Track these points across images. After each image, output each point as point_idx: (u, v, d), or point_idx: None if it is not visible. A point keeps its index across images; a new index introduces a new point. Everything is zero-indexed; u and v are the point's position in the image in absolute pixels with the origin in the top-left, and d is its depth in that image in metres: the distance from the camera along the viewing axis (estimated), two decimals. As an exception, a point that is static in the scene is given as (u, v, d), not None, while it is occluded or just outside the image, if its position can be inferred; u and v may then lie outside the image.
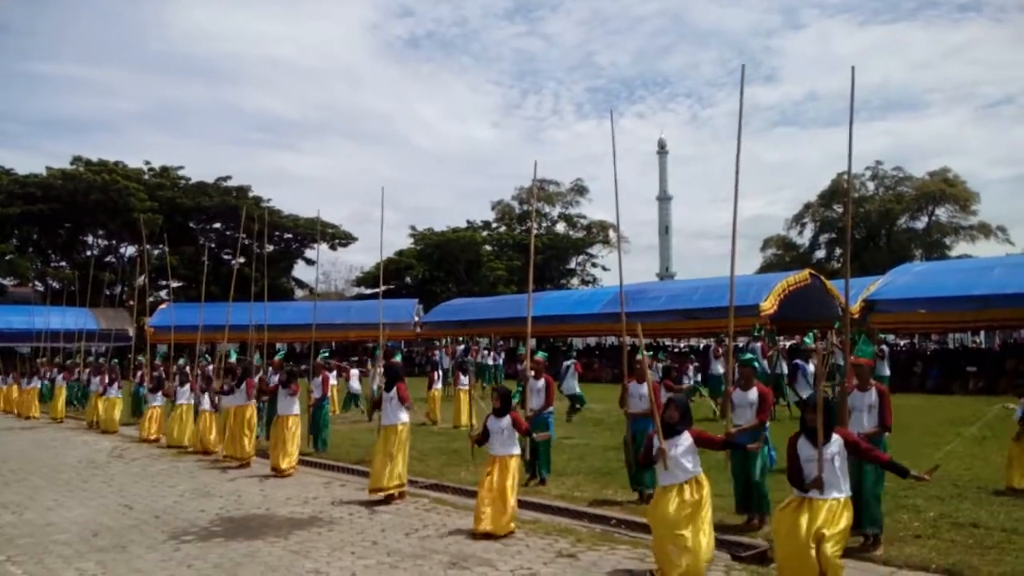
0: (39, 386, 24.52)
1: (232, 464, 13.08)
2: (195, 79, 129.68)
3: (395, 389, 9.96)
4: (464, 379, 18.28)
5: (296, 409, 12.37)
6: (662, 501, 6.36)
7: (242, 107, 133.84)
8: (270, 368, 16.74)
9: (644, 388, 9.13)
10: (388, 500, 9.58)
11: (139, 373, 21.18)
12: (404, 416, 9.96)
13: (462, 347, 31.80)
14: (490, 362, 28.90)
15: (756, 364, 8.93)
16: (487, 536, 7.65)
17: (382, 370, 12.91)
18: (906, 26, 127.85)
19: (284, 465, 11.86)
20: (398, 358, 16.21)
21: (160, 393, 17.34)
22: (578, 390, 17.65)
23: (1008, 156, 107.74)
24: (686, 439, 6.44)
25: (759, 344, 19.55)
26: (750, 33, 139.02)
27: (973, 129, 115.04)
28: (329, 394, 15.57)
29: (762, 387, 8.26)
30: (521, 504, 9.30)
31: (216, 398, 14.40)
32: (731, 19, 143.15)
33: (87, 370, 23.97)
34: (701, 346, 40.19)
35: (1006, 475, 9.34)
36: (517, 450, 8.36)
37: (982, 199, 57.95)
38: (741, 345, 20.19)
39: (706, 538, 6.23)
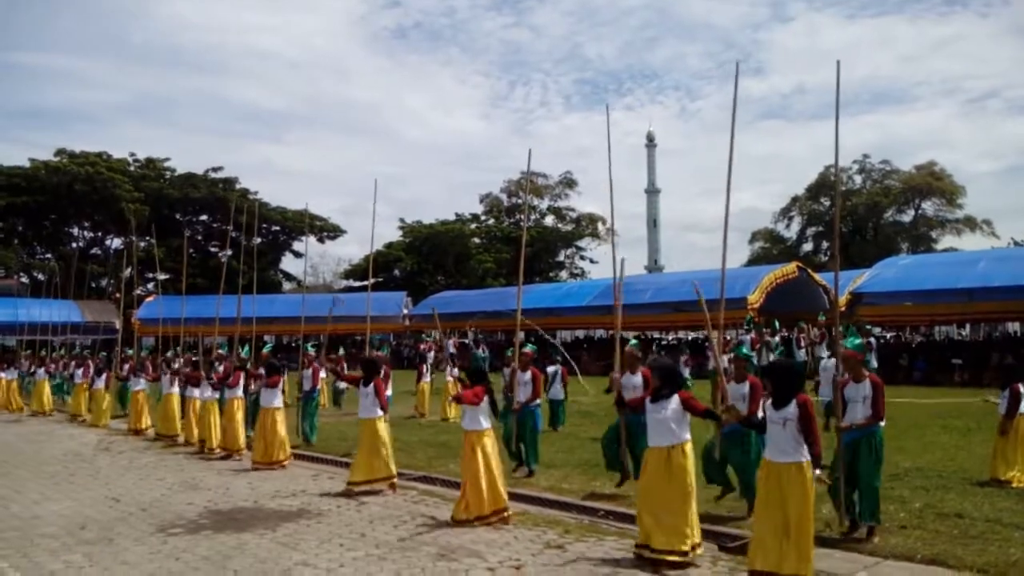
0: (15, 377, 24.37)
1: (217, 455, 13.12)
2: (179, 70, 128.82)
3: (372, 384, 9.93)
4: (454, 370, 18.23)
5: (278, 402, 12.19)
6: (648, 463, 6.64)
7: (227, 99, 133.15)
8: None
9: (637, 379, 9.18)
10: (376, 491, 9.62)
11: (125, 366, 21.11)
12: (379, 410, 9.92)
13: (469, 339, 31.80)
14: (481, 353, 29.09)
15: (752, 358, 8.99)
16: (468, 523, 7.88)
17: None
18: (893, 20, 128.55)
19: (275, 457, 11.80)
20: (384, 351, 16.17)
21: (143, 377, 17.33)
22: (562, 396, 15.98)
23: (994, 150, 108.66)
24: (674, 402, 6.55)
25: (749, 337, 19.58)
26: (737, 26, 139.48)
27: (959, 123, 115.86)
28: (319, 386, 15.54)
29: (754, 379, 8.28)
30: (510, 496, 9.33)
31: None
32: (718, 11, 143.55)
33: (71, 362, 23.86)
34: (688, 338, 40.33)
35: (991, 466, 9.42)
36: (489, 424, 8.24)
37: (968, 193, 58.38)
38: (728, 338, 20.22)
39: (686, 506, 6.37)
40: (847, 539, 6.97)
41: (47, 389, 22.50)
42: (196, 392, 14.60)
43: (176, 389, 15.89)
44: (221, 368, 14.45)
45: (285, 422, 12.24)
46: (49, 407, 22.09)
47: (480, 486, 7.89)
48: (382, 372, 10.65)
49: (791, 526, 5.63)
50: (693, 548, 6.40)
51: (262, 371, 13.16)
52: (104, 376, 19.19)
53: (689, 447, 6.57)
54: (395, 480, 9.83)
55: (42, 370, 23.15)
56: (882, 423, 7.25)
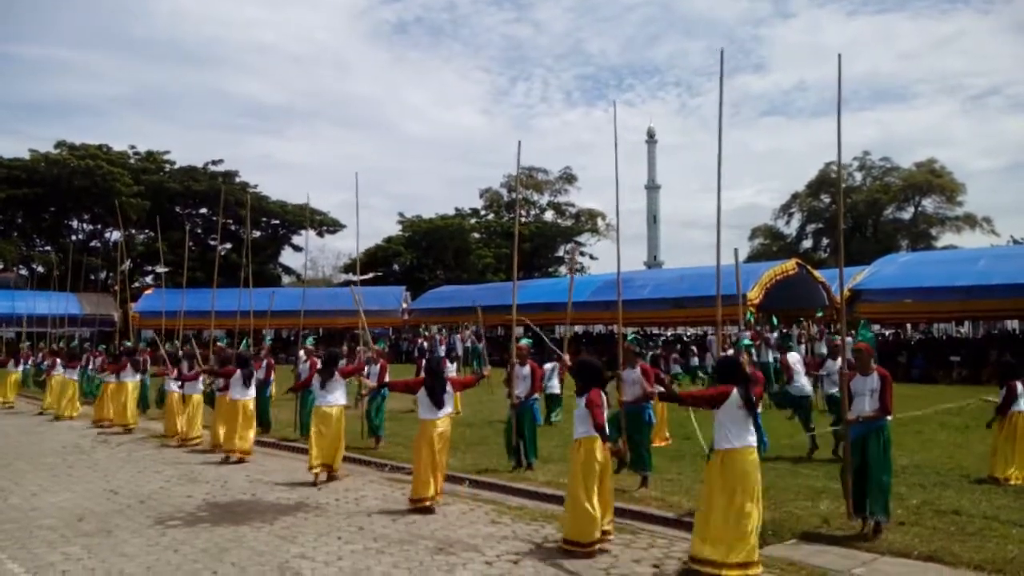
0: None
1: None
2: (179, 64, 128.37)
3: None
4: (451, 366, 18.23)
5: (236, 394, 12.36)
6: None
7: (228, 92, 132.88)
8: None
9: (635, 373, 9.20)
10: (330, 478, 10.20)
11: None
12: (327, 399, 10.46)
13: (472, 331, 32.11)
14: (482, 347, 29.27)
15: (752, 350, 9.04)
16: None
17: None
18: (894, 17, 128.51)
19: (238, 447, 11.99)
20: (381, 345, 16.19)
21: (112, 373, 17.45)
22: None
23: (994, 147, 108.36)
24: (582, 401, 6.95)
25: (748, 332, 19.59)
26: (739, 21, 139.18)
27: (960, 120, 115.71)
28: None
29: (757, 373, 8.28)
30: (508, 490, 9.40)
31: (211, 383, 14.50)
32: (720, 7, 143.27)
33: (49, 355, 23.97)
34: (687, 334, 40.37)
35: (989, 464, 9.43)
36: (432, 415, 8.61)
37: (968, 190, 58.06)
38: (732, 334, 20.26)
39: (590, 503, 6.62)
40: (850, 536, 6.96)
41: (12, 380, 22.52)
42: (173, 385, 14.87)
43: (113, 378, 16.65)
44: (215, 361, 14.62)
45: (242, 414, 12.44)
46: (8, 399, 21.98)
47: (420, 471, 8.38)
48: (340, 363, 11.03)
49: (732, 511, 5.90)
50: (604, 535, 6.73)
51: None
52: (80, 366, 19.38)
53: (595, 444, 6.79)
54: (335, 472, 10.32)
55: (12, 362, 23.16)
56: (889, 417, 7.24)
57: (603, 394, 6.99)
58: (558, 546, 6.80)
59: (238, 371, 12.48)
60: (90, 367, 21.20)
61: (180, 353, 15.67)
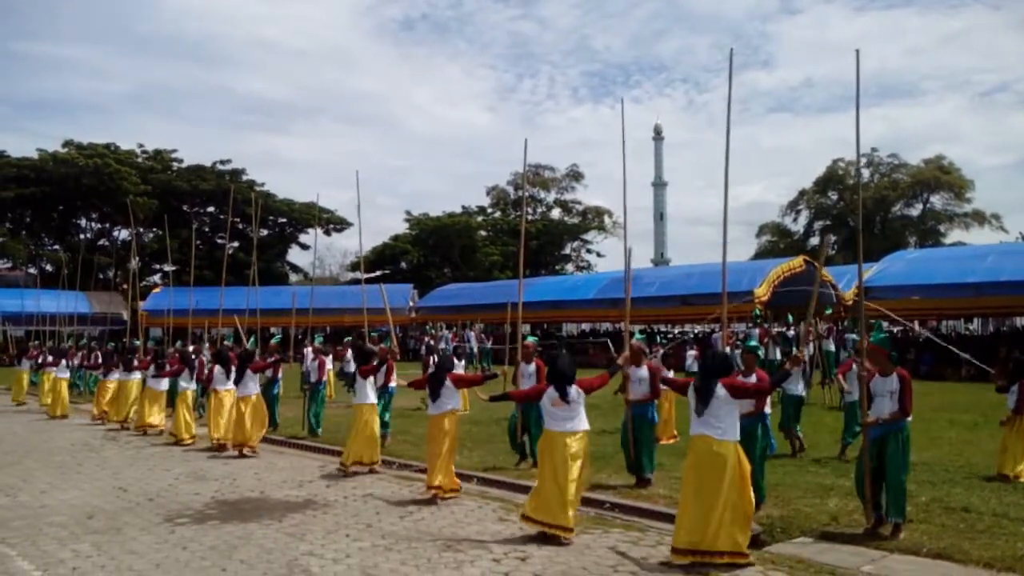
0: None
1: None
2: (183, 60, 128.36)
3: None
4: (459, 363, 18.27)
5: (227, 389, 12.92)
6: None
7: (232, 89, 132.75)
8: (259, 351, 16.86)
9: (642, 372, 9.20)
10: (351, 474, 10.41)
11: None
12: (372, 396, 10.84)
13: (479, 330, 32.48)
14: (489, 345, 29.57)
15: (760, 351, 9.03)
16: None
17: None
18: (902, 12, 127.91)
19: (236, 438, 12.30)
20: (387, 344, 16.19)
21: (104, 372, 17.64)
22: None
23: (1003, 143, 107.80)
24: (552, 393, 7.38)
25: (757, 330, 19.60)
26: (746, 17, 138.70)
27: (969, 116, 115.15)
28: (325, 378, 15.59)
29: (761, 373, 8.26)
30: (515, 488, 9.40)
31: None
32: (727, 3, 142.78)
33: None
34: (694, 331, 40.27)
35: (999, 461, 9.39)
36: (432, 410, 9.07)
37: (977, 186, 57.85)
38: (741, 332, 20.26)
39: (560, 490, 6.94)
40: (859, 533, 6.94)
41: (25, 379, 22.70)
42: (151, 381, 15.15)
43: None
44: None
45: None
46: (21, 397, 22.20)
47: (428, 462, 8.96)
48: (375, 362, 11.21)
49: (693, 495, 6.21)
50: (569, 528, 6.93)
51: (269, 360, 13.67)
52: (66, 363, 19.63)
53: (553, 437, 7.25)
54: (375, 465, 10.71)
55: (26, 361, 23.33)
56: (909, 418, 7.20)
57: (555, 391, 7.31)
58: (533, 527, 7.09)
59: (216, 367, 13.04)
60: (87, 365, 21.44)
61: (174, 351, 15.91)
